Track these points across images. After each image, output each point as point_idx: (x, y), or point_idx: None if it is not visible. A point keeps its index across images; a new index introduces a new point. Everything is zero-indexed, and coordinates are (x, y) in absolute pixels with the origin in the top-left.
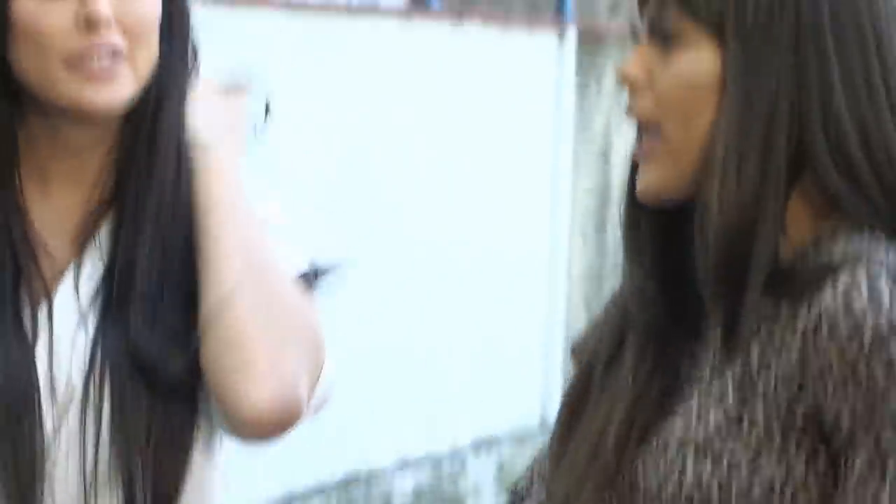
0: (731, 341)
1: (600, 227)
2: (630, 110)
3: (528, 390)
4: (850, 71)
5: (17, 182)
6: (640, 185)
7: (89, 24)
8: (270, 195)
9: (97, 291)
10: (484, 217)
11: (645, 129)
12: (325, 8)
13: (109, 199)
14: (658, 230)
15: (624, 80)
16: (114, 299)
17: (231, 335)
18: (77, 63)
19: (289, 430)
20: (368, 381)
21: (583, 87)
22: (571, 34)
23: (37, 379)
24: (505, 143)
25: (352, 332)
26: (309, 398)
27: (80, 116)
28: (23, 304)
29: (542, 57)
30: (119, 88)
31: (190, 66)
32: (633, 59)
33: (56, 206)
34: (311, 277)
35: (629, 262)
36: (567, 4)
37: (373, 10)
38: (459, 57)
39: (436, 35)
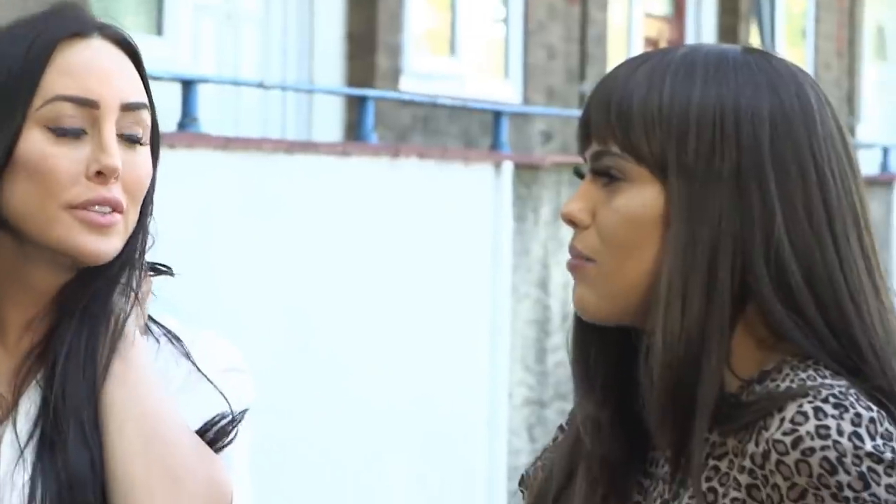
0: (680, 475)
1: (540, 357)
2: (572, 247)
3: None
4: (791, 205)
5: None
6: (574, 299)
7: (101, 176)
8: (222, 336)
9: (33, 430)
10: (424, 348)
11: (584, 258)
12: (262, 145)
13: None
14: (608, 360)
15: (566, 218)
16: (48, 437)
17: (127, 500)
18: (80, 209)
19: None
20: None
21: (520, 218)
22: (507, 166)
23: None
24: (444, 276)
25: (293, 473)
26: None
27: (77, 261)
28: None
29: (478, 189)
30: (113, 241)
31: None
32: (577, 197)
33: (10, 352)
34: (223, 426)
35: (580, 391)
36: (501, 137)
37: (310, 145)
38: (397, 191)
39: (373, 169)
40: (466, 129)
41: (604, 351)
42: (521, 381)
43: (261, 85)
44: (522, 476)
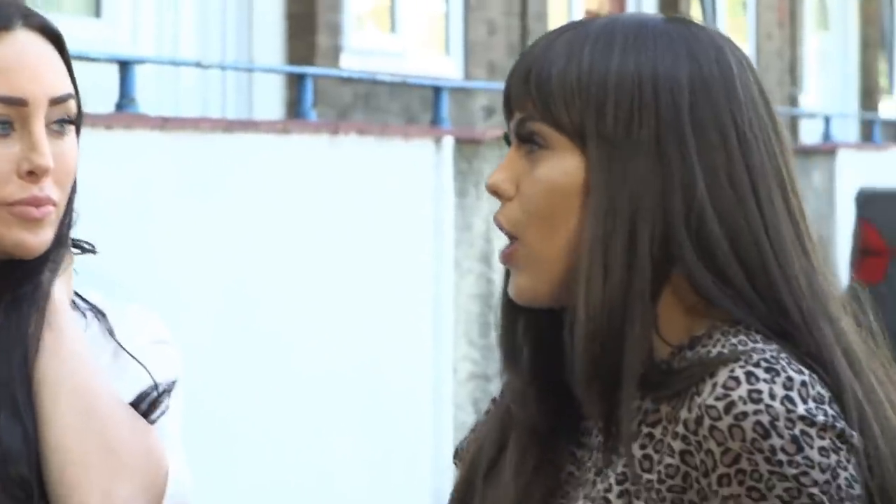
0: (612, 443)
1: (484, 331)
2: (496, 218)
3: (418, 498)
4: (713, 170)
5: None
6: (511, 289)
7: (33, 175)
8: (149, 309)
9: None
10: (367, 324)
11: (508, 235)
12: (200, 124)
13: None
14: (535, 333)
15: (491, 188)
16: None
17: (62, 474)
18: (15, 207)
19: None
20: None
21: (461, 193)
22: (448, 141)
23: None
24: (386, 251)
25: (235, 451)
26: None
27: (12, 254)
28: None
29: (419, 165)
30: (47, 232)
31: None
32: (501, 167)
33: None
34: (154, 398)
35: (508, 365)
36: (442, 112)
37: (249, 124)
38: (337, 168)
39: (313, 147)
40: (408, 106)
41: (532, 322)
42: (465, 355)
43: (199, 64)
44: (456, 450)
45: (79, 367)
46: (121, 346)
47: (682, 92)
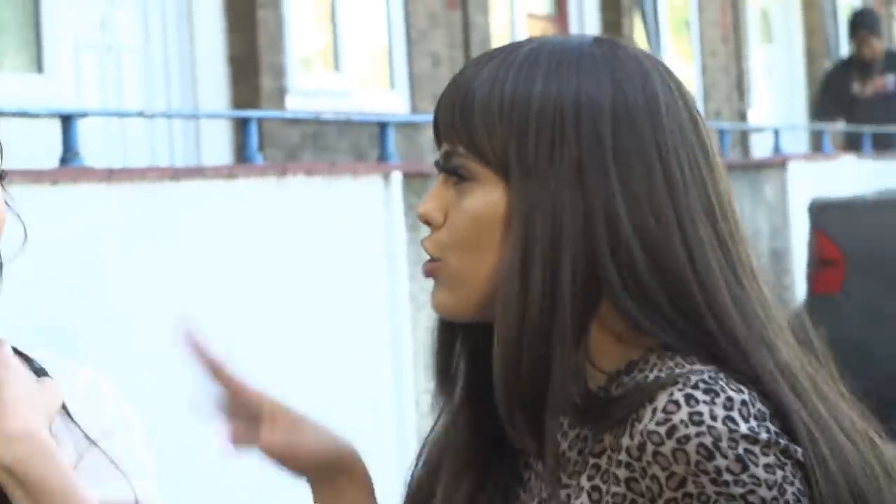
0: (546, 470)
1: None
2: (423, 243)
3: None
4: (636, 200)
5: None
6: (433, 301)
7: None
8: (120, 402)
9: None
10: (326, 366)
11: (434, 256)
12: (146, 174)
13: None
14: (471, 349)
15: (422, 217)
16: None
17: None
18: None
19: None
20: None
21: (413, 227)
22: (396, 176)
23: None
24: (340, 290)
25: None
26: None
27: None
28: None
29: (369, 201)
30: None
31: None
32: (430, 197)
33: None
34: None
35: (440, 386)
36: (389, 148)
37: (196, 171)
38: (286, 209)
39: (261, 190)
40: (356, 144)
41: (466, 345)
42: (426, 388)
43: (141, 114)
44: (407, 488)
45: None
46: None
47: (604, 120)
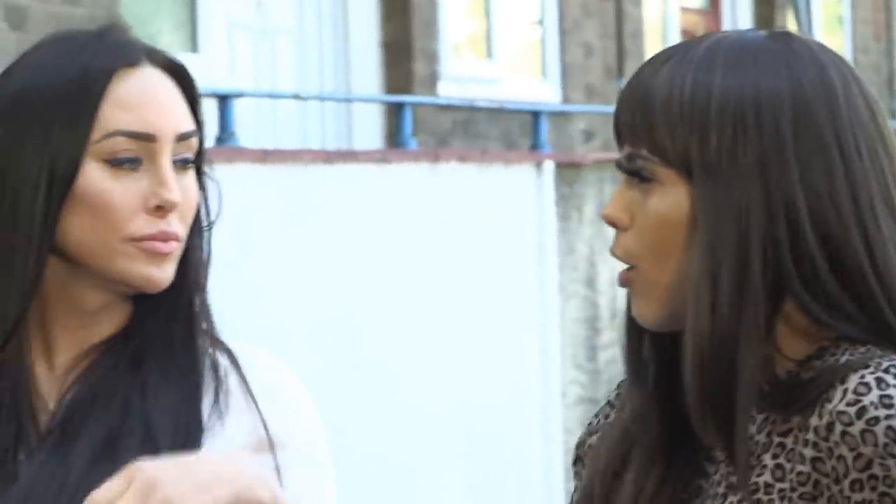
0: (737, 463)
1: (591, 354)
2: (613, 249)
3: None
4: (816, 194)
5: (30, 355)
6: (633, 311)
7: (161, 210)
8: (302, 400)
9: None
10: (474, 352)
11: (625, 263)
12: (300, 156)
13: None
14: (659, 353)
15: (607, 220)
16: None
17: None
18: (143, 242)
19: None
20: None
21: (564, 217)
22: (548, 165)
23: None
24: (490, 278)
25: (342, 483)
26: None
27: (135, 289)
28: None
29: (520, 190)
30: (171, 267)
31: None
32: (614, 198)
33: (56, 373)
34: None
35: (631, 384)
36: (542, 137)
37: (349, 154)
38: (438, 195)
39: (414, 175)
40: (507, 132)
41: (655, 347)
42: (573, 379)
43: (297, 96)
44: (577, 455)
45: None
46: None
47: (784, 114)
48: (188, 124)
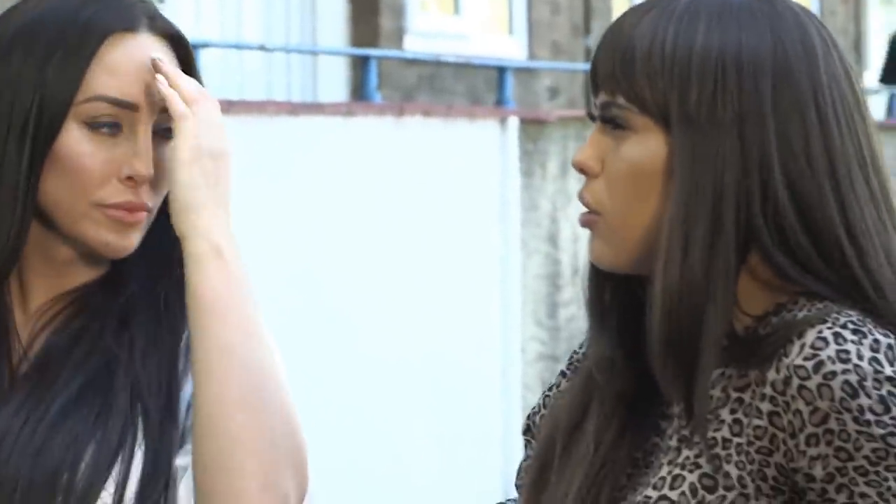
0: (695, 415)
1: (552, 311)
2: (581, 195)
3: (488, 478)
4: (791, 151)
5: (9, 298)
6: (589, 253)
7: (131, 181)
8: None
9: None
10: (435, 306)
11: (590, 210)
12: (265, 107)
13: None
14: (622, 300)
15: (577, 166)
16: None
17: (222, 459)
18: (109, 210)
19: None
20: (332, 493)
21: (527, 173)
22: (513, 121)
23: None
24: (452, 233)
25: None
26: None
27: (97, 254)
28: None
29: (484, 145)
30: (135, 236)
31: None
32: (587, 145)
33: (29, 316)
34: None
35: (595, 331)
36: (507, 92)
37: (314, 107)
38: (403, 149)
39: (378, 129)
40: (472, 87)
41: (618, 294)
42: (533, 336)
43: (263, 48)
44: (526, 424)
45: (249, 335)
46: None
47: (764, 74)
48: None
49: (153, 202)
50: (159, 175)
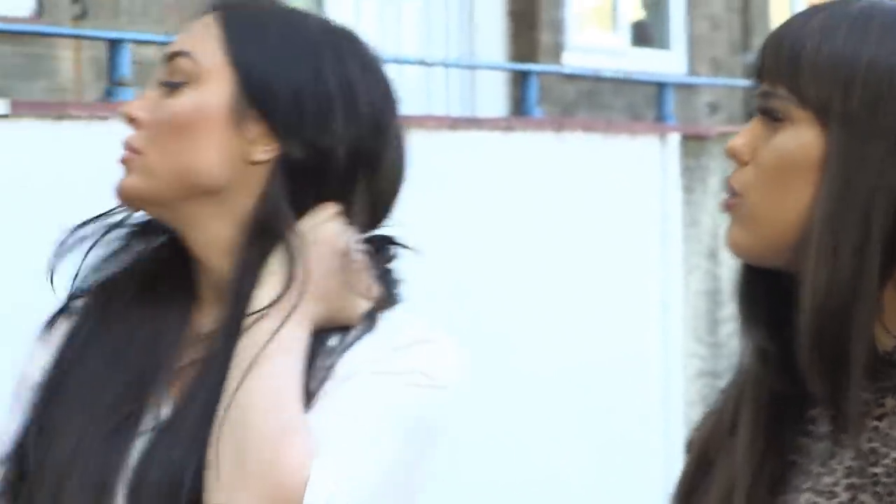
0: (840, 430)
1: (712, 328)
2: (727, 182)
3: (649, 495)
4: None
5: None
6: (727, 239)
7: (129, 122)
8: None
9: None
10: (594, 322)
11: (733, 193)
12: (425, 122)
13: None
14: (771, 301)
15: (729, 151)
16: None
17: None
18: None
19: None
20: None
21: (688, 189)
22: (673, 137)
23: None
24: (612, 249)
25: (460, 451)
26: None
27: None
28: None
29: (644, 161)
30: (130, 179)
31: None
32: (741, 133)
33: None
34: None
35: (747, 327)
36: (667, 108)
37: (473, 121)
38: (562, 164)
39: (538, 144)
40: (632, 103)
41: (768, 291)
42: (694, 352)
43: (422, 62)
44: (688, 441)
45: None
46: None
47: None
48: (176, 45)
49: (143, 145)
50: (150, 121)
